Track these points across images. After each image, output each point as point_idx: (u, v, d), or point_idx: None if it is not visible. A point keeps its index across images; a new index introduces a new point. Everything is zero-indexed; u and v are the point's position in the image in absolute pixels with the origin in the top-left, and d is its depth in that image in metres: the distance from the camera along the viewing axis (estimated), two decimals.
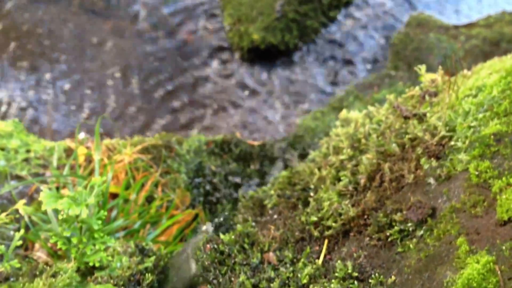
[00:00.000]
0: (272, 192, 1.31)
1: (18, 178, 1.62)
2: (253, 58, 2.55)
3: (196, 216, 1.69)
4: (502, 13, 2.48)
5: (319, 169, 1.24)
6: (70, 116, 2.33)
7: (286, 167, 1.80)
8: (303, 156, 1.95)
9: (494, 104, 0.98)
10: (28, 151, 1.73)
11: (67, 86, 2.48)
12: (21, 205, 1.33)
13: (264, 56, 2.54)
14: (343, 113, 1.29)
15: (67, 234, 1.07)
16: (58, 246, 1.09)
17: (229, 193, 1.90)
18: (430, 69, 2.43)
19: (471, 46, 2.37)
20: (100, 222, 1.07)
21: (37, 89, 2.43)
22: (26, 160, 1.71)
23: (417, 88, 1.14)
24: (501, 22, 2.44)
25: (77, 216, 1.07)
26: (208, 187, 1.88)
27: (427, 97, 1.08)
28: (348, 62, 2.51)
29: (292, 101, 2.42)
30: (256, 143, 2.09)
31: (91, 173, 1.67)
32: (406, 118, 1.11)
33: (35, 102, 2.41)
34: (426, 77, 2.40)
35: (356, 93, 2.23)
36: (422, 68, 1.11)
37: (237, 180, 1.92)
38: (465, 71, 1.10)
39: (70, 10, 2.76)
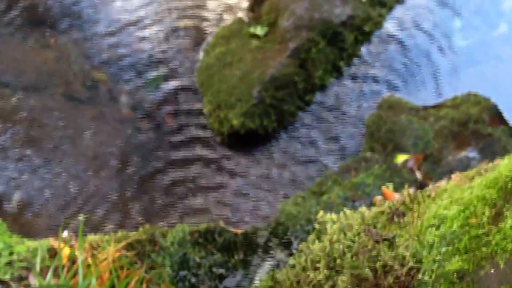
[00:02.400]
0: None
1: (1, 282, 1.61)
2: (233, 143, 2.62)
3: None
4: (468, 94, 2.63)
5: (298, 282, 1.28)
6: (54, 209, 2.34)
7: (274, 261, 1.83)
8: (287, 245, 1.99)
9: (455, 239, 1.03)
10: (11, 253, 1.73)
11: (48, 176, 2.50)
12: None
13: (244, 140, 2.62)
14: (320, 215, 1.34)
15: None
16: None
17: (215, 285, 1.90)
18: (403, 150, 2.53)
19: (440, 127, 2.49)
20: None
21: (17, 179, 2.44)
22: (9, 263, 1.70)
23: (386, 204, 1.19)
24: (467, 103, 2.58)
25: None
26: (193, 280, 1.89)
27: (395, 218, 1.13)
28: (325, 145, 2.59)
29: (273, 185, 2.47)
30: (239, 230, 2.12)
31: (75, 274, 1.67)
32: (376, 242, 1.16)
33: (15, 193, 2.42)
34: (399, 159, 2.49)
35: (334, 177, 2.30)
36: (390, 186, 1.17)
37: (222, 271, 1.93)
38: (431, 186, 1.17)
39: (53, 98, 2.81)
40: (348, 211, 1.36)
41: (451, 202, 1.02)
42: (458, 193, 1.01)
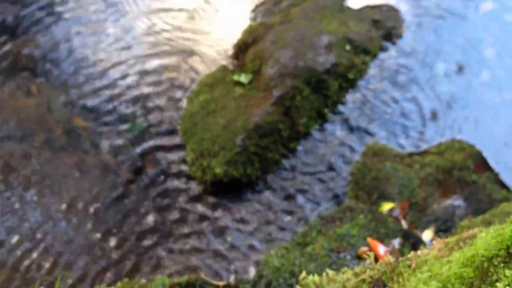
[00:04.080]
0: None
1: None
2: (216, 191, 2.58)
3: None
4: (452, 141, 2.62)
5: None
6: (29, 262, 2.27)
7: None
8: None
9: None
10: None
11: (25, 227, 2.44)
12: None
13: (228, 189, 2.58)
14: (303, 275, 1.29)
15: None
16: None
17: None
18: (389, 198, 2.50)
19: (425, 174, 2.47)
20: None
21: None
22: None
23: (367, 272, 1.15)
24: (451, 150, 2.56)
25: None
26: None
27: None
28: (310, 193, 2.56)
29: (256, 234, 2.42)
30: (221, 283, 2.06)
31: None
32: None
33: None
34: (385, 207, 2.46)
35: (319, 227, 2.25)
36: (371, 255, 1.13)
37: None
38: (412, 254, 1.13)
39: (33, 146, 2.78)
40: (330, 272, 1.31)
41: (430, 277, 0.98)
42: (437, 267, 0.97)
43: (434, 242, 1.25)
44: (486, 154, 2.54)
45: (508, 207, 1.99)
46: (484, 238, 0.87)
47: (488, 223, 1.85)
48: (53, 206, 2.52)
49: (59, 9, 3.35)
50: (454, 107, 2.82)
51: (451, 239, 1.09)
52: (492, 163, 2.52)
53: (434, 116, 2.80)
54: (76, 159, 2.72)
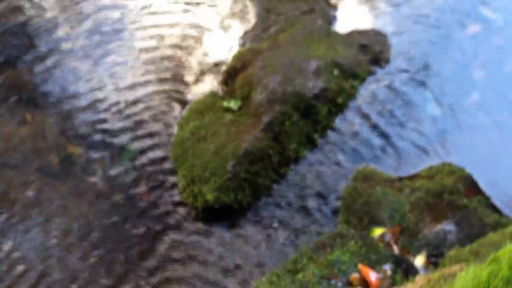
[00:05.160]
0: None
1: None
2: (207, 217, 2.58)
3: None
4: (442, 164, 2.62)
5: None
6: None
7: None
8: None
9: None
10: None
11: (17, 254, 2.43)
12: None
13: (219, 214, 2.57)
14: None
15: None
16: None
17: None
18: (380, 222, 2.49)
19: (416, 198, 2.46)
20: None
21: None
22: None
23: None
24: (442, 173, 2.56)
25: None
26: None
27: None
28: (301, 219, 2.55)
29: (247, 260, 2.41)
30: None
31: None
32: None
33: None
34: (376, 232, 2.45)
35: (309, 254, 2.24)
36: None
37: None
38: None
39: (29, 174, 2.77)
40: None
41: None
42: None
43: (417, 277, 1.24)
44: (476, 177, 2.54)
45: (495, 237, 1.98)
46: (463, 278, 0.87)
47: (475, 254, 1.84)
48: (48, 233, 2.52)
49: (51, 38, 3.37)
50: (444, 129, 2.83)
51: (434, 275, 1.09)
52: (482, 186, 2.52)
53: (424, 139, 2.80)
54: (70, 186, 2.72)
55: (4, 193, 2.67)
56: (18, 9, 3.57)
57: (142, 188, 2.71)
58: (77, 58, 3.26)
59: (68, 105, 3.04)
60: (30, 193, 2.67)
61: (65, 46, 3.33)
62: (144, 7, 3.52)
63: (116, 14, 3.50)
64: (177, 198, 2.66)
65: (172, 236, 2.52)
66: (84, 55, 3.27)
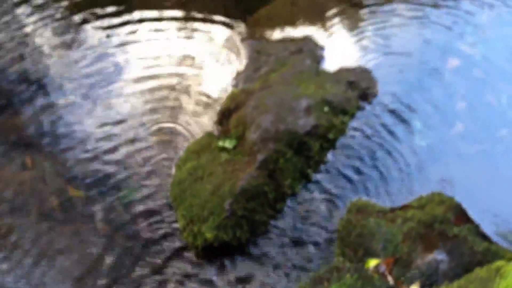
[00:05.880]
0: None
1: None
2: (208, 255, 2.65)
3: None
4: (432, 194, 2.72)
5: None
6: None
7: None
8: None
9: None
10: None
11: None
12: None
13: (218, 252, 2.64)
14: None
15: None
16: None
17: None
18: (374, 254, 2.57)
19: (408, 228, 2.55)
20: None
21: None
22: None
23: None
24: (432, 203, 2.66)
25: None
26: None
27: None
28: (298, 252, 2.63)
29: None
30: None
31: None
32: None
33: None
34: (371, 264, 2.52)
35: None
36: None
37: None
38: None
39: (28, 218, 2.83)
40: None
41: None
42: None
43: None
44: (465, 205, 2.64)
45: (482, 273, 2.07)
46: None
47: None
48: (48, 276, 2.56)
49: (48, 82, 3.48)
50: (432, 159, 2.94)
51: None
52: (471, 214, 2.61)
53: (414, 169, 2.91)
54: (71, 229, 2.78)
55: (4, 237, 2.72)
56: (19, 57, 3.69)
57: (142, 228, 2.78)
58: (75, 101, 3.36)
59: (67, 148, 3.12)
60: (30, 236, 2.73)
61: (61, 88, 3.43)
62: (139, 52, 3.65)
63: (112, 59, 3.63)
64: (177, 238, 2.73)
65: (173, 276, 2.58)
66: (82, 98, 3.37)
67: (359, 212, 2.69)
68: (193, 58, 3.55)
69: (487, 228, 2.58)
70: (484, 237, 2.52)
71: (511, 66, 3.31)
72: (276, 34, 3.66)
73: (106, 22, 3.88)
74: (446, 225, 2.53)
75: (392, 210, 2.69)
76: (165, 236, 2.74)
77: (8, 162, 3.06)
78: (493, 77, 3.25)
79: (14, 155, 3.09)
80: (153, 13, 3.93)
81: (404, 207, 2.70)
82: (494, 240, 2.53)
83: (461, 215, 2.60)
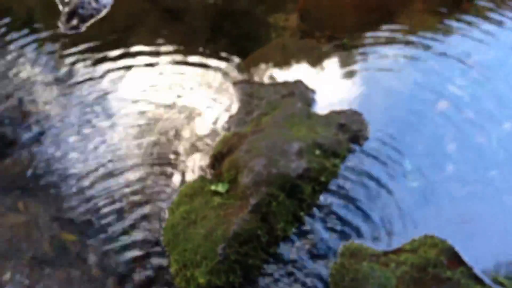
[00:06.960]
0: None
1: None
2: None
3: None
4: (425, 237, 2.73)
5: None
6: None
7: None
8: None
9: None
10: None
11: None
12: None
13: None
14: None
15: None
16: None
17: None
18: None
19: (401, 273, 2.55)
20: None
21: None
22: None
23: None
24: (424, 246, 2.67)
25: None
26: None
27: None
28: None
29: None
30: None
31: None
32: None
33: None
34: None
35: None
36: None
37: None
38: None
39: (22, 264, 2.81)
40: None
41: None
42: None
43: None
44: (458, 247, 2.64)
45: None
46: None
47: None
48: None
49: (39, 125, 3.50)
50: (424, 201, 2.95)
51: None
52: (464, 256, 2.62)
53: (406, 211, 2.92)
54: (64, 274, 2.76)
55: None
56: (9, 96, 3.72)
57: (135, 273, 2.76)
58: (66, 145, 3.38)
59: (60, 191, 3.12)
60: (22, 280, 2.70)
61: (53, 132, 3.46)
62: (132, 94, 3.70)
63: (106, 102, 3.67)
64: (170, 282, 2.71)
65: None
66: (74, 140, 3.39)
67: (352, 256, 2.69)
68: (185, 102, 3.59)
69: (481, 271, 2.58)
70: (478, 279, 2.52)
71: (499, 107, 3.37)
72: (268, 77, 3.73)
73: (103, 67, 3.95)
74: (440, 269, 2.53)
75: (385, 253, 2.69)
76: (158, 281, 2.72)
77: (0, 207, 3.05)
78: (482, 119, 3.31)
79: (6, 200, 3.09)
80: (146, 59, 4.00)
81: (397, 251, 2.70)
82: (487, 282, 2.53)
83: (454, 258, 2.61)
